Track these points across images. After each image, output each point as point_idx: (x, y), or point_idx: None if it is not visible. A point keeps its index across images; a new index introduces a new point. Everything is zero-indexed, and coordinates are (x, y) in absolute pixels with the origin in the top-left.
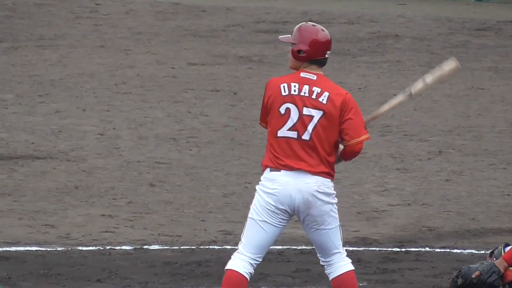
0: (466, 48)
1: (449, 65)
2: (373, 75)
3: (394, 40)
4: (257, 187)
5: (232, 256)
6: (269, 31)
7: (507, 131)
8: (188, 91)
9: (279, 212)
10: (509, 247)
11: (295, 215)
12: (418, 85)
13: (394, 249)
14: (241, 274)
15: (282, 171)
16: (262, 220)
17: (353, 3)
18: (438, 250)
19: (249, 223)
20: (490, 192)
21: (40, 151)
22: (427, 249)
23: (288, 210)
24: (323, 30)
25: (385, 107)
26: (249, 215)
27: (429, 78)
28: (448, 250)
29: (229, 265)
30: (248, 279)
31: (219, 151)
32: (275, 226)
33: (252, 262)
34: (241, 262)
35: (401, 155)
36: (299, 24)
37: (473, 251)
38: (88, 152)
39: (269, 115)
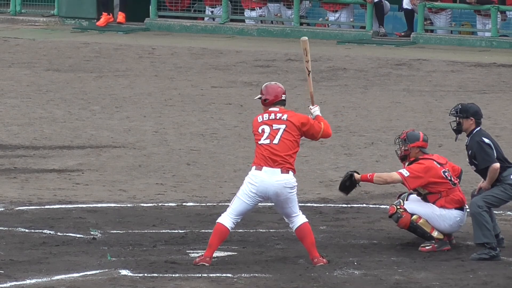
0: (389, 76)
1: (302, 44)
2: (330, 94)
3: (343, 71)
4: (246, 177)
5: (222, 214)
6: (263, 66)
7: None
8: (211, 104)
9: (256, 197)
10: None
11: (268, 199)
12: (308, 67)
13: (343, 205)
14: (226, 227)
15: (262, 169)
16: (243, 200)
17: (318, 48)
18: (371, 206)
19: (236, 198)
20: None
21: (116, 142)
22: (364, 205)
23: (263, 196)
24: (277, 84)
25: (310, 87)
26: (237, 193)
27: (307, 61)
28: (377, 206)
29: (219, 220)
30: (230, 230)
31: (231, 142)
32: (250, 204)
33: (234, 221)
34: (227, 220)
35: (347, 145)
36: (265, 83)
37: None
38: (147, 143)
39: (254, 134)
